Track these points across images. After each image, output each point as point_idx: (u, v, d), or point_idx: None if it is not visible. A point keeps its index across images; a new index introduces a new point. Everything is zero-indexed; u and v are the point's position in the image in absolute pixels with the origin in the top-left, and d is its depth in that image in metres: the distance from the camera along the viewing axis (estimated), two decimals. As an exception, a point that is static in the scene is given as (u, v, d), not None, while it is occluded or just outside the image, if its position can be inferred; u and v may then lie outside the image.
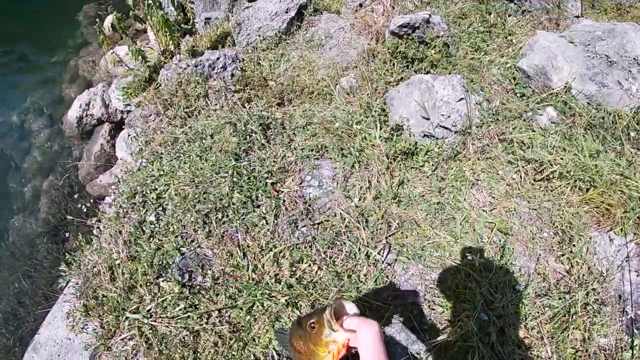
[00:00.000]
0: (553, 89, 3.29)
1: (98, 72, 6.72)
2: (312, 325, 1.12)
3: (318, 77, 3.87)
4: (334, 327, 1.09)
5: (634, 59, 3.18)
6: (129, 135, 4.55)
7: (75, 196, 5.09)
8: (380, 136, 2.96)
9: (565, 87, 3.26)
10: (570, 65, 3.31)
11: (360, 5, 4.69)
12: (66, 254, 4.51)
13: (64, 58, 8.13)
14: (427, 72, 3.63)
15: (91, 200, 4.83)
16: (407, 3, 4.49)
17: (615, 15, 4.40)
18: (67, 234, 4.94)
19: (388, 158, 2.86)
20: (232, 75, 4.05)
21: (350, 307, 1.13)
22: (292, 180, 2.86)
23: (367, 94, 3.43)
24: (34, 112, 6.87)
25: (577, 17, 4.16)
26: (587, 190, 2.69)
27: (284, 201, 2.72)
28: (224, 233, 2.65)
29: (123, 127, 5.17)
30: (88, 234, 3.56)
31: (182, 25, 5.78)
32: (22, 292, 4.69)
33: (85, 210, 4.61)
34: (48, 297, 4.49)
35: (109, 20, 7.77)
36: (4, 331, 4.45)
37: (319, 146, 3.01)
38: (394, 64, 3.73)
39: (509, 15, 4.31)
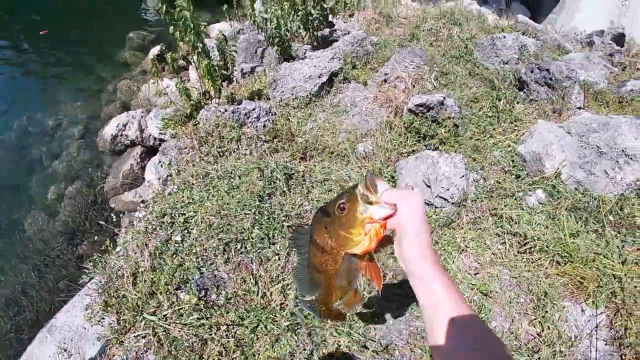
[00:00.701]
0: (545, 174, 3.70)
1: (138, 97, 7.30)
2: (342, 206, 0.99)
3: (339, 140, 4.35)
4: (372, 199, 0.96)
5: (623, 150, 3.58)
6: (159, 162, 5.04)
7: (97, 206, 5.53)
8: None
9: (556, 172, 3.67)
10: (563, 154, 3.73)
11: (385, 80, 5.20)
12: (84, 255, 4.96)
13: (106, 76, 8.79)
14: (436, 148, 4.05)
15: (112, 213, 5.24)
16: (427, 83, 4.96)
17: (616, 108, 4.73)
18: (83, 239, 5.30)
19: None
20: (264, 126, 4.57)
21: (382, 185, 0.99)
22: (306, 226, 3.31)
23: (380, 161, 3.90)
24: (70, 120, 7.42)
25: (580, 108, 4.56)
26: (565, 264, 3.04)
27: (296, 243, 3.16)
28: (240, 261, 3.07)
29: (154, 152, 5.67)
30: (105, 241, 3.98)
31: (222, 72, 6.38)
32: (28, 284, 4.98)
33: (106, 220, 5.05)
34: (52, 291, 4.83)
35: (155, 50, 8.46)
36: (3, 315, 4.73)
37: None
38: (407, 138, 4.18)
39: (518, 103, 4.73)
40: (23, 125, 7.52)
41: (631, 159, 3.55)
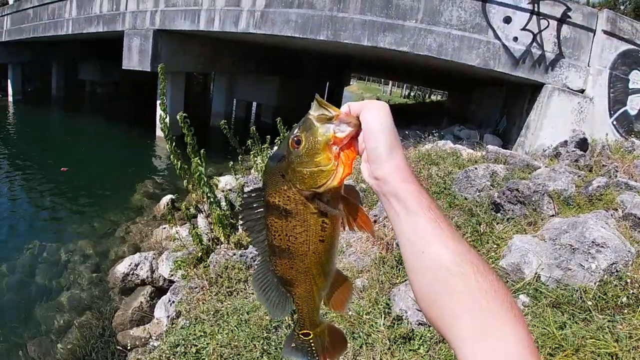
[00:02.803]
0: (525, 280, 3.96)
1: (149, 240, 7.94)
2: (297, 138, 0.80)
3: None
4: (330, 114, 0.79)
5: (592, 241, 3.89)
6: (169, 300, 5.51)
7: (105, 339, 5.81)
8: (384, 324, 3.81)
9: (535, 276, 3.94)
10: (539, 259, 4.01)
11: (375, 221, 5.71)
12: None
13: (118, 219, 9.52)
14: None
15: (119, 346, 5.53)
16: None
17: (588, 207, 4.96)
18: None
19: (390, 341, 3.65)
20: (269, 270, 5.16)
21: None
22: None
23: (376, 292, 4.33)
24: (81, 255, 7.90)
25: (553, 215, 4.89)
26: (557, 355, 3.17)
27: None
28: (246, 389, 3.46)
29: (163, 292, 6.13)
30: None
31: (230, 220, 7.11)
32: None
33: (112, 354, 5.35)
34: None
35: (166, 199, 9.31)
36: None
37: None
38: (399, 269, 4.60)
39: (497, 224, 5.05)
40: (34, 255, 7.96)
41: (602, 247, 3.89)
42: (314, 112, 0.80)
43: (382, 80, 56.14)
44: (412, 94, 53.99)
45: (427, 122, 16.95)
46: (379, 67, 24.03)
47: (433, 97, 48.69)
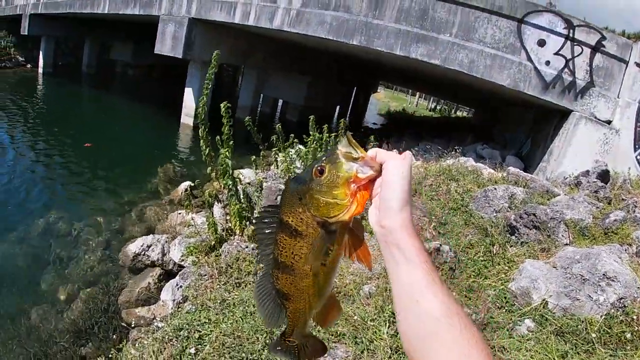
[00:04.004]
0: (532, 305, 3.98)
1: (163, 223, 8.04)
2: (321, 168, 0.84)
3: (346, 281, 4.87)
4: (356, 155, 0.84)
5: (604, 274, 3.89)
6: (177, 284, 5.59)
7: (109, 314, 5.90)
8: (387, 332, 3.82)
9: (543, 302, 3.95)
10: (549, 286, 4.03)
11: None
12: (87, 357, 5.18)
13: (135, 199, 9.69)
14: None
15: (122, 324, 5.62)
16: (426, 233, 5.44)
17: (603, 239, 4.94)
18: (88, 340, 5.43)
19: (391, 350, 3.67)
20: (279, 265, 5.21)
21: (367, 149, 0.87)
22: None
23: (382, 299, 4.33)
24: (95, 231, 8.08)
25: (567, 244, 4.88)
26: None
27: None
28: (244, 379, 3.51)
29: (171, 276, 6.22)
30: (109, 349, 4.34)
31: (245, 213, 7.17)
32: None
33: (114, 330, 5.44)
34: None
35: (185, 185, 9.42)
36: None
37: (338, 332, 3.93)
38: None
39: (510, 246, 5.08)
40: (48, 224, 8.18)
41: (612, 280, 3.89)
42: (342, 148, 0.85)
43: (410, 90, 55.98)
44: (438, 107, 53.74)
45: (451, 137, 16.86)
46: (407, 77, 23.97)
47: (459, 113, 48.44)
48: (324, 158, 0.87)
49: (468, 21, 10.18)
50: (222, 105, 5.66)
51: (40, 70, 24.33)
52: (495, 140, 15.58)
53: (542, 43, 9.75)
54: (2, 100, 17.38)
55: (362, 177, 0.84)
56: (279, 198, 6.21)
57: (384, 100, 53.53)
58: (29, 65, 24.99)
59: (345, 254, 0.94)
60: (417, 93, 55.54)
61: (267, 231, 0.95)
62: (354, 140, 0.85)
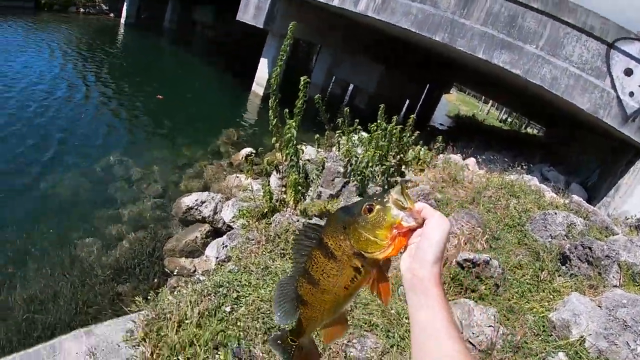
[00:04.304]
0: (570, 339, 3.85)
1: (220, 183, 8.18)
2: (371, 207, 0.91)
3: (389, 274, 4.81)
4: (406, 205, 0.91)
5: None
6: (223, 244, 5.67)
7: (152, 259, 6.09)
8: None
9: (580, 339, 3.82)
10: (590, 324, 3.90)
11: None
12: (123, 294, 5.35)
13: (197, 156, 9.91)
14: (475, 301, 4.29)
15: (164, 270, 5.78)
16: (478, 244, 5.35)
17: None
18: (128, 280, 5.68)
19: None
20: (326, 242, 5.16)
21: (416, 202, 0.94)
22: (343, 338, 3.73)
23: None
24: (154, 179, 8.36)
25: (616, 286, 4.71)
26: None
27: (330, 348, 3.56)
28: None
29: (218, 234, 6.34)
30: (147, 291, 4.42)
31: (300, 187, 7.18)
32: (60, 293, 5.25)
33: (155, 274, 5.59)
34: (77, 310, 5.04)
35: (246, 150, 9.53)
36: (25, 307, 5.01)
37: (372, 322, 3.88)
38: (450, 287, 4.51)
39: (559, 275, 4.94)
40: (110, 166, 8.53)
41: None
42: (394, 195, 0.91)
43: (483, 97, 54.41)
44: (508, 119, 51.99)
45: (518, 152, 16.28)
46: (483, 83, 23.23)
47: (529, 130, 46.66)
48: (376, 198, 0.93)
49: (557, 36, 9.71)
50: (302, 79, 5.65)
51: (123, 20, 25.00)
52: (563, 164, 14.90)
53: (629, 72, 9.18)
54: (85, 46, 18.10)
55: (405, 225, 0.91)
56: (335, 180, 6.12)
57: (454, 103, 52.34)
58: (111, 15, 25.77)
59: (367, 284, 1.00)
60: (490, 101, 53.85)
61: (306, 243, 1.02)
62: (407, 191, 0.92)
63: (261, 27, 15.06)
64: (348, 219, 0.95)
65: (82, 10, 23.91)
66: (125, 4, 24.80)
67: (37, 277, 5.48)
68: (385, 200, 0.92)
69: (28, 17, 18.62)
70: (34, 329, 4.78)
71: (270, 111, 5.88)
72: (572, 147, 17.41)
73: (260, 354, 3.42)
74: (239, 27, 19.53)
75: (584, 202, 7.49)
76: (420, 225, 0.92)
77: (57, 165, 8.08)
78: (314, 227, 1.02)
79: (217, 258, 5.56)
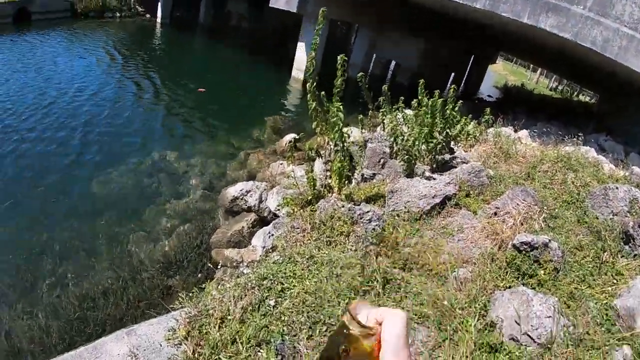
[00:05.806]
0: (635, 330, 3.53)
1: (264, 172, 8.05)
2: (345, 351, 0.96)
3: (440, 260, 4.50)
4: (372, 332, 0.97)
5: None
6: (269, 233, 5.51)
7: (200, 251, 6.04)
8: (475, 326, 3.46)
9: None
10: None
11: (495, 213, 5.28)
12: (172, 287, 5.31)
13: (240, 146, 9.87)
14: (533, 289, 3.99)
15: (211, 262, 5.70)
16: (535, 224, 4.98)
17: None
18: (177, 273, 5.67)
19: (475, 346, 3.31)
20: (374, 229, 4.88)
21: (364, 307, 1.00)
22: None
23: (476, 289, 3.94)
24: (199, 171, 8.39)
25: None
26: None
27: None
28: (322, 343, 3.29)
29: (265, 223, 6.20)
30: (195, 283, 4.29)
31: (345, 172, 6.93)
32: (110, 289, 5.30)
33: (203, 267, 5.51)
34: (128, 305, 5.07)
35: (289, 137, 9.35)
36: (74, 303, 5.06)
37: (423, 314, 3.63)
38: (507, 272, 4.20)
39: (622, 256, 4.56)
40: (158, 160, 8.61)
41: None
42: (356, 330, 0.95)
43: (531, 66, 52.06)
44: (559, 87, 49.52)
45: (570, 121, 15.36)
46: (531, 50, 22.03)
47: (581, 97, 44.32)
48: (342, 341, 0.95)
49: (605, -6, 8.92)
50: (339, 57, 5.35)
51: (159, 20, 25.34)
52: (620, 133, 13.90)
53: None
54: (125, 47, 18.49)
55: (374, 333, 0.94)
56: (381, 161, 5.82)
57: (501, 73, 50.32)
58: (147, 15, 26.14)
59: None
60: (539, 69, 51.44)
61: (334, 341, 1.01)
62: (355, 313, 0.96)
63: (295, 11, 14.88)
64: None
65: (117, 14, 24.25)
66: (159, 3, 25.06)
67: (88, 274, 5.55)
68: (352, 339, 0.95)
69: (66, 25, 19.04)
70: (86, 326, 4.82)
71: (309, 95, 5.63)
72: (629, 115, 16.22)
73: (305, 350, 3.23)
74: (275, 15, 19.36)
75: (647, 174, 6.92)
76: (379, 332, 0.96)
77: (105, 163, 8.23)
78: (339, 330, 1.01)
79: (263, 247, 5.42)
